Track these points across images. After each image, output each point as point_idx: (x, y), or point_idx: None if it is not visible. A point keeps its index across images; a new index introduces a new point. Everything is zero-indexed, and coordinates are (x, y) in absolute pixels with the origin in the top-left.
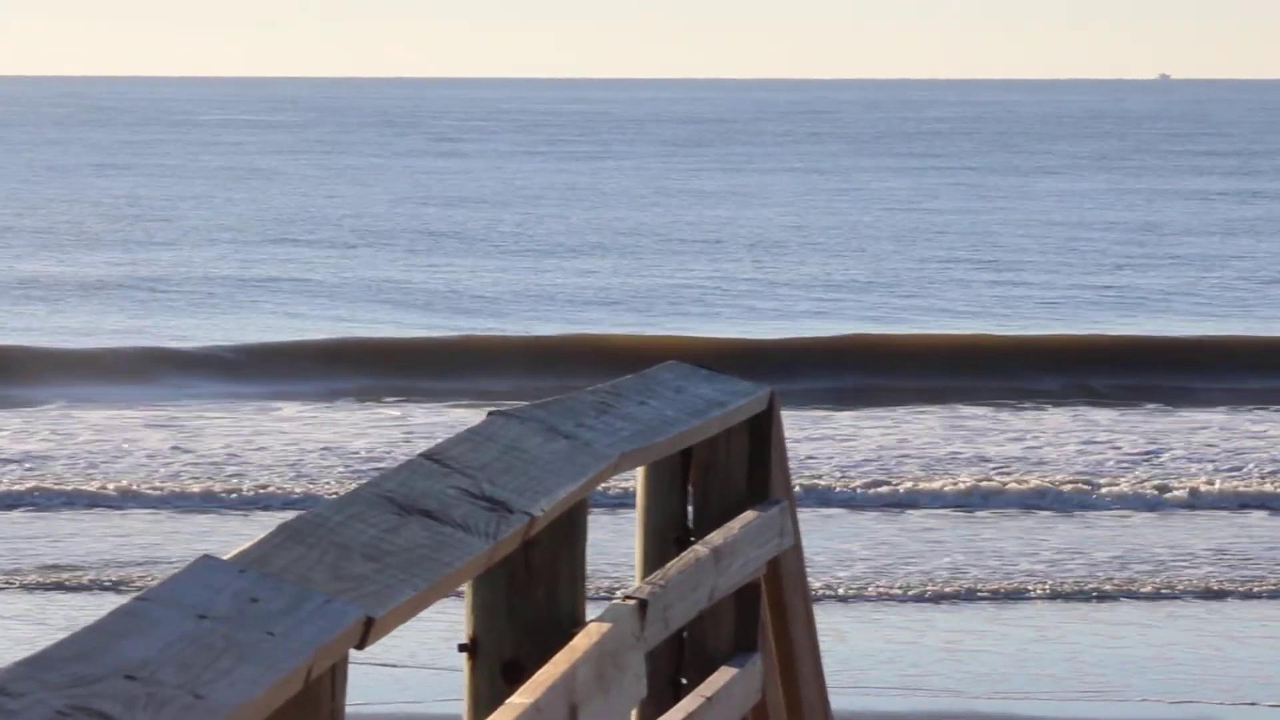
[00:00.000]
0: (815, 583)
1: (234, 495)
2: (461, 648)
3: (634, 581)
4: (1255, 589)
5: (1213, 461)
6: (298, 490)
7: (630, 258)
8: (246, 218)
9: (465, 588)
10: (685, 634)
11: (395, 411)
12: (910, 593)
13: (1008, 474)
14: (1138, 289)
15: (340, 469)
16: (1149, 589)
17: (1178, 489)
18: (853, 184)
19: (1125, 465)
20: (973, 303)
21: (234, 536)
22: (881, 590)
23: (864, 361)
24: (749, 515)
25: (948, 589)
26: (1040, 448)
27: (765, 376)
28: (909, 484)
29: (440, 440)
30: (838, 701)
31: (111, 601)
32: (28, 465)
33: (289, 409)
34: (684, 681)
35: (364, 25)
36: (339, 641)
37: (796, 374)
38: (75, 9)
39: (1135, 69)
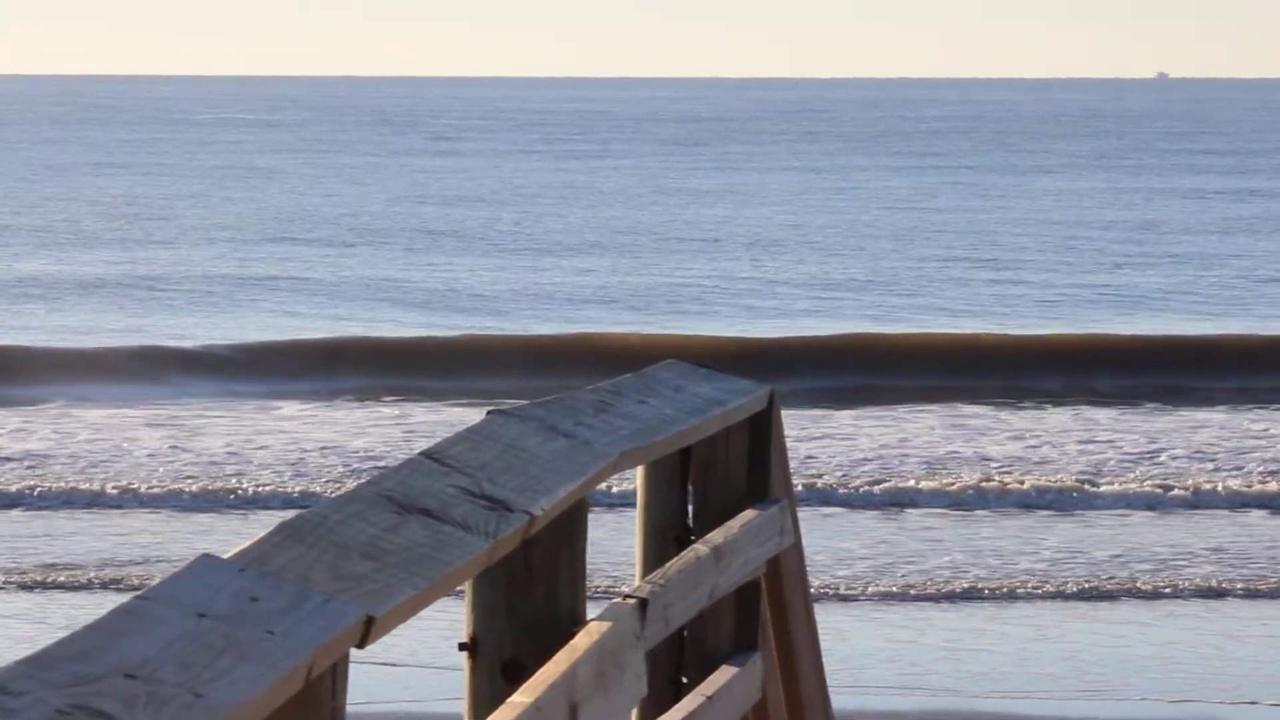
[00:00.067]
0: (815, 582)
1: (233, 495)
2: (462, 646)
3: (634, 580)
4: (1255, 588)
5: (1213, 461)
6: (297, 489)
7: (629, 257)
8: (245, 216)
9: (465, 587)
10: (686, 633)
11: (394, 410)
12: (910, 592)
13: (1008, 473)
14: (1136, 288)
15: (340, 468)
16: (1149, 588)
17: (1178, 488)
18: (851, 183)
19: (1125, 464)
20: (971, 302)
21: (233, 536)
22: (881, 589)
23: (863, 361)
24: (749, 514)
25: (947, 588)
26: (1040, 447)
27: (765, 375)
28: (909, 483)
29: (440, 439)
30: (838, 700)
31: (111, 600)
32: (27, 464)
33: (288, 408)
34: (684, 680)
35: (363, 25)
36: (339, 640)
37: (796, 373)
38: (74, 8)
39: (1134, 68)
